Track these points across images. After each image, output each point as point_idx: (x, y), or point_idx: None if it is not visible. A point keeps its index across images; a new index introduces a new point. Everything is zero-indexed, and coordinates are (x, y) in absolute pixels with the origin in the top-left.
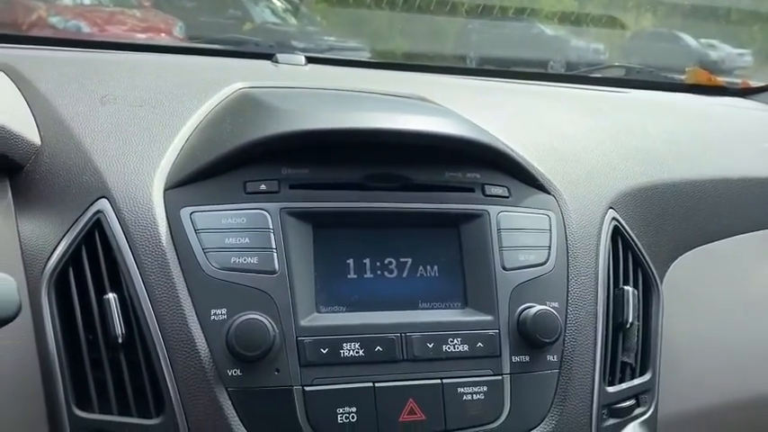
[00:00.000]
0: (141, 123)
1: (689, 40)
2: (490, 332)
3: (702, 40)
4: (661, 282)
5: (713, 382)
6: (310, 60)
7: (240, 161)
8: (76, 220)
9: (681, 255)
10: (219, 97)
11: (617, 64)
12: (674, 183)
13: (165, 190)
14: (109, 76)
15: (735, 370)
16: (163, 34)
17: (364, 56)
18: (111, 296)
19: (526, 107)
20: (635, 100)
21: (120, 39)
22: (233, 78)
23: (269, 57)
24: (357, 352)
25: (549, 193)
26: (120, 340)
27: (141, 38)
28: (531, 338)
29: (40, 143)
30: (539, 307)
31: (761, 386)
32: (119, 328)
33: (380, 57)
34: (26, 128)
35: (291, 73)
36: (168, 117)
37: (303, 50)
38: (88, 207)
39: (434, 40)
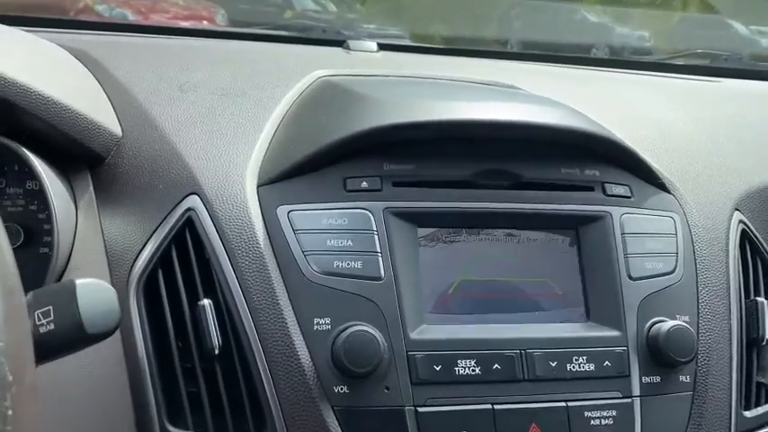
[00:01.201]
0: (226, 113)
1: (738, 26)
2: (618, 349)
3: (752, 27)
4: None
5: None
6: (382, 47)
7: (339, 156)
8: (165, 218)
9: None
10: (302, 86)
11: (700, 51)
12: None
13: (259, 186)
14: (186, 63)
15: None
16: (205, 22)
17: (430, 42)
18: (206, 302)
19: (626, 97)
20: (728, 89)
21: (185, 24)
22: (310, 66)
23: (339, 44)
24: (473, 370)
25: (669, 193)
26: (216, 351)
27: (206, 25)
28: (664, 357)
29: (121, 133)
30: (672, 322)
31: None
32: (215, 337)
33: (443, 42)
34: (106, 116)
35: (365, 60)
36: (253, 107)
37: (369, 36)
38: (178, 204)
39: (501, 24)
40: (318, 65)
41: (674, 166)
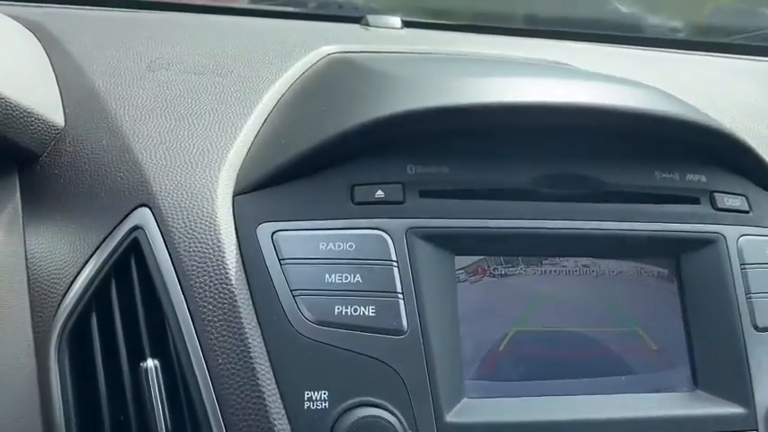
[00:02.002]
0: (202, 97)
1: None
2: None
3: None
4: None
5: None
6: (407, 24)
7: (347, 155)
8: (105, 240)
9: None
10: (305, 64)
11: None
12: None
13: (235, 195)
14: (161, 37)
15: None
16: None
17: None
18: (152, 364)
19: (708, 79)
20: None
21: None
22: (318, 42)
23: (357, 20)
24: None
25: None
26: None
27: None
28: None
29: (63, 123)
30: None
31: None
32: (161, 417)
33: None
34: (47, 102)
35: (386, 37)
36: (238, 89)
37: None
38: (122, 220)
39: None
40: (329, 41)
41: None
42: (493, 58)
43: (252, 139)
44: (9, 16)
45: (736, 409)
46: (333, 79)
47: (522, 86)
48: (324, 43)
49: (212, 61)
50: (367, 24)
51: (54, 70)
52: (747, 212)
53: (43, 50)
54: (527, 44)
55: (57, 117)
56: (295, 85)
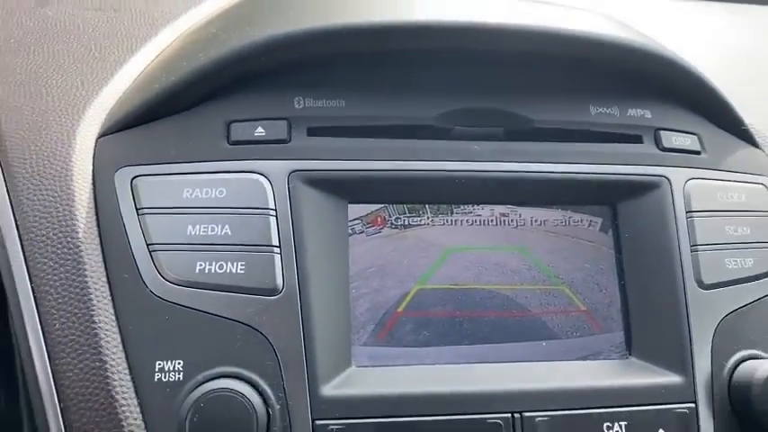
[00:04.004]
0: (88, 34)
1: None
2: (680, 408)
3: None
4: None
5: None
6: None
7: (220, 87)
8: None
9: None
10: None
11: None
12: None
13: (99, 137)
14: None
15: None
16: None
17: None
18: None
19: (688, 18)
20: None
21: None
22: None
23: None
24: None
25: (757, 147)
26: None
27: None
28: (758, 417)
29: None
30: None
31: None
32: None
33: None
34: None
35: None
36: (133, 25)
37: None
38: None
39: None
40: None
41: (763, 110)
42: None
43: (132, 79)
44: None
45: (673, 379)
46: (234, 7)
47: (431, 4)
48: None
49: None
50: None
51: None
52: (698, 153)
53: None
54: None
55: None
56: (201, 20)
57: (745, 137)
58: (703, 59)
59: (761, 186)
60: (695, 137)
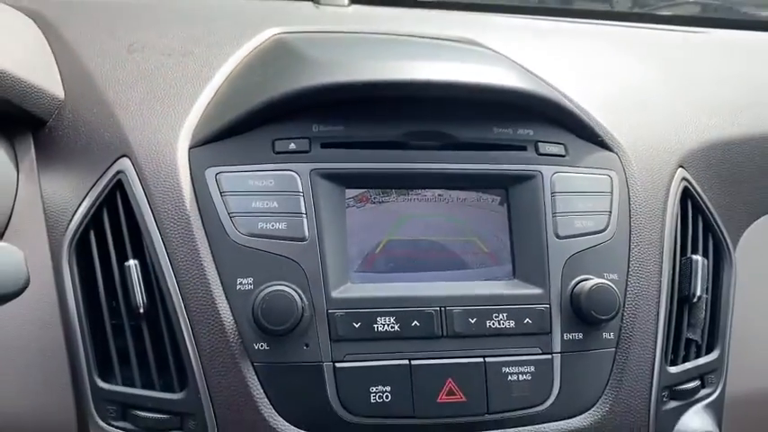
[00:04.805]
0: (168, 74)
1: None
2: (540, 307)
3: None
4: (734, 249)
5: None
6: (354, 1)
7: (269, 117)
8: (97, 181)
9: (757, 219)
10: (253, 44)
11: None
12: (751, 137)
13: (191, 148)
14: (138, 22)
15: None
16: None
17: None
18: (133, 263)
19: (588, 51)
20: (711, 41)
21: None
22: (269, 23)
23: None
24: (392, 327)
25: (611, 151)
26: (141, 310)
27: None
28: (586, 315)
29: (63, 97)
30: (595, 280)
31: None
32: (140, 297)
33: None
34: (49, 80)
35: (334, 15)
36: (198, 66)
37: None
38: (109, 167)
39: None
40: (280, 21)
41: (622, 123)
42: (407, 36)
43: (205, 107)
44: (10, 6)
45: (536, 291)
46: (268, 58)
47: (391, 67)
48: (276, 24)
49: (178, 44)
50: (318, 3)
51: (53, 53)
52: (564, 156)
53: (42, 36)
54: (465, 19)
55: (58, 91)
56: (242, 63)
57: (602, 144)
58: (589, 86)
59: (607, 177)
60: (562, 146)
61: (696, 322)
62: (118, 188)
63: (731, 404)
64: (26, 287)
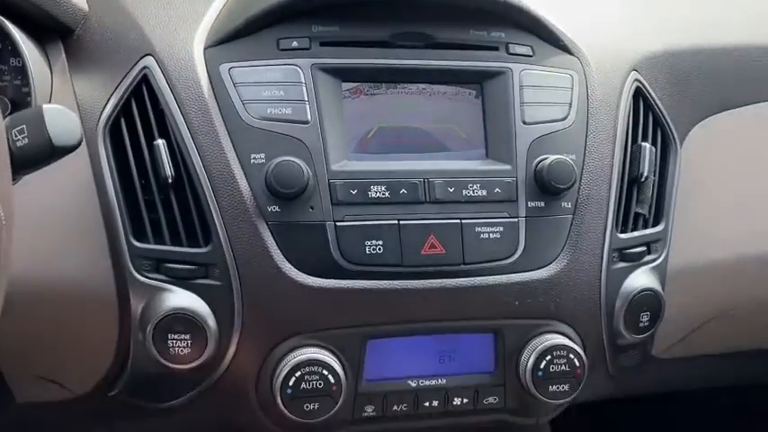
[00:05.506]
0: None
1: None
2: (508, 179)
3: None
4: (681, 144)
5: (726, 236)
6: None
7: (273, 20)
8: (125, 76)
9: (703, 119)
10: None
11: None
12: (699, 48)
13: (206, 48)
14: None
15: (748, 229)
16: None
17: None
18: (161, 142)
19: None
20: None
21: None
22: None
23: None
24: (383, 194)
25: (572, 54)
26: (169, 180)
27: None
28: (547, 185)
29: (87, 9)
30: (555, 156)
31: None
32: (168, 169)
33: None
34: None
35: None
36: None
37: None
38: (135, 63)
39: None
40: None
41: (584, 32)
42: None
43: (217, 14)
44: None
45: (506, 167)
46: None
47: None
48: None
49: None
50: None
51: None
52: (530, 56)
53: None
54: None
55: (82, 4)
56: None
57: (565, 48)
58: None
59: (568, 75)
60: (530, 47)
61: (644, 199)
62: (144, 82)
63: (675, 274)
64: (80, 143)
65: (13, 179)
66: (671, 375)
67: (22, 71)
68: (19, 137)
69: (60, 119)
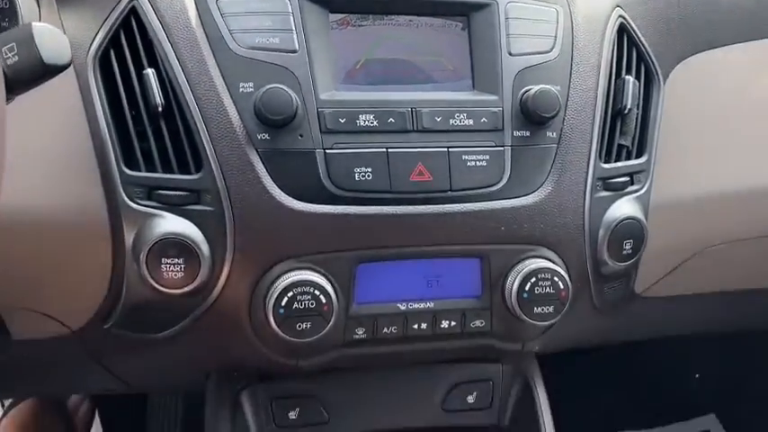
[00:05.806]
0: None
1: None
2: (494, 109)
3: None
4: (665, 80)
5: (709, 172)
6: None
7: None
8: (114, 8)
9: (686, 58)
10: None
11: None
12: None
13: None
14: None
15: (732, 165)
16: None
17: None
18: (150, 71)
19: None
20: None
21: None
22: None
23: None
24: (372, 122)
25: None
26: (159, 109)
27: None
28: (532, 115)
29: None
30: (540, 86)
31: (753, 180)
32: (158, 97)
33: None
34: None
35: None
36: None
37: None
38: None
39: None
40: None
41: None
42: None
43: None
44: None
45: (492, 97)
46: None
47: None
48: None
49: None
50: None
51: None
52: None
53: None
54: None
55: None
56: None
57: None
58: None
59: (553, 10)
60: None
61: (627, 131)
62: (132, 13)
63: (656, 208)
64: (71, 63)
65: (7, 99)
66: (657, 317)
67: (10, 12)
68: (9, 54)
69: (50, 37)
